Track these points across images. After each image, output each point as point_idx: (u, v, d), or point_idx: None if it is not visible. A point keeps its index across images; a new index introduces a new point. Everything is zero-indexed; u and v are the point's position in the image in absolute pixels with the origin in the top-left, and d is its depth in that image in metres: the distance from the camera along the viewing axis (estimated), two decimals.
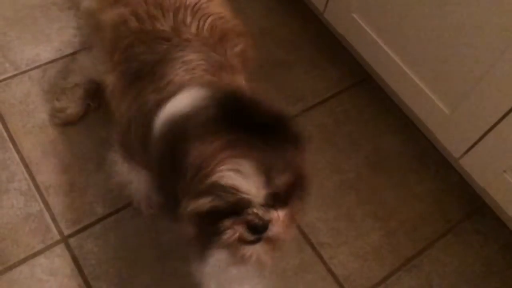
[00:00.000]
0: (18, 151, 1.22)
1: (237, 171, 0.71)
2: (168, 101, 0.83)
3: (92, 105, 1.29)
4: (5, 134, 1.24)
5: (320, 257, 1.20)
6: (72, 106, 1.25)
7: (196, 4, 0.96)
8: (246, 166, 0.71)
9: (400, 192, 1.32)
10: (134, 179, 1.06)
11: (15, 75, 1.33)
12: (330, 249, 1.22)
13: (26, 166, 1.20)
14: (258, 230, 0.75)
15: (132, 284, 1.10)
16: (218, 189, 0.71)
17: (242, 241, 0.76)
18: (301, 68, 1.49)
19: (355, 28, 1.34)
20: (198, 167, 0.72)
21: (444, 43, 1.13)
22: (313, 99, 1.44)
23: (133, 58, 0.94)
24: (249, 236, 0.75)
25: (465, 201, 1.34)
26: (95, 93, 1.27)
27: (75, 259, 1.11)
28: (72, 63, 1.24)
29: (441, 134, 1.26)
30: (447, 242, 1.28)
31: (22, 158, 1.21)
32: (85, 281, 1.08)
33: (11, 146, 1.22)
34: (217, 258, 0.91)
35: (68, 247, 1.12)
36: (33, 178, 1.19)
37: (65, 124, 1.26)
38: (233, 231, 0.75)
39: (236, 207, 0.73)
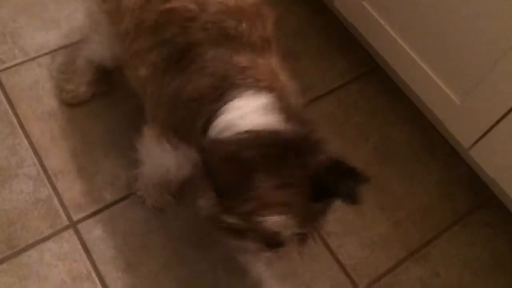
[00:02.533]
0: (27, 137, 1.22)
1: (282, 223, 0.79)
2: (226, 101, 0.84)
3: (101, 89, 1.29)
4: (14, 120, 1.24)
5: (327, 246, 1.20)
6: (81, 87, 1.25)
7: None
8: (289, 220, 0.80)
9: (408, 183, 1.32)
10: (167, 161, 1.03)
11: (24, 62, 1.33)
12: (338, 239, 1.22)
13: (35, 151, 1.20)
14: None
15: (140, 269, 1.10)
16: (260, 229, 0.80)
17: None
18: (309, 58, 1.48)
19: (365, 16, 1.33)
20: (252, 199, 0.78)
21: (456, 32, 1.12)
22: (321, 89, 1.44)
23: (167, 41, 0.92)
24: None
25: (473, 192, 1.33)
26: (104, 78, 1.27)
27: (83, 244, 1.11)
28: (82, 48, 1.24)
29: (451, 124, 1.25)
30: (454, 233, 1.27)
31: (31, 144, 1.21)
32: (94, 266, 1.09)
33: (20, 131, 1.23)
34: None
35: (76, 232, 1.12)
36: (42, 164, 1.19)
37: (75, 103, 1.26)
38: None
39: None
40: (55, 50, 1.36)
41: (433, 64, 1.22)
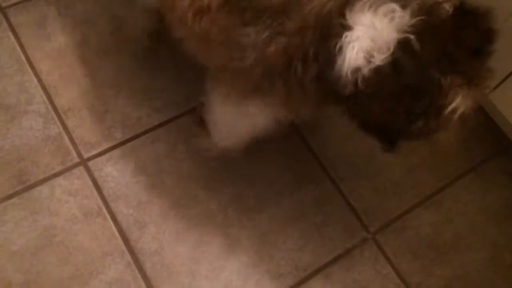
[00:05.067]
0: (36, 74, 1.20)
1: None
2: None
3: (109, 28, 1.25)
4: (23, 57, 1.21)
5: (339, 190, 1.19)
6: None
7: None
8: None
9: None
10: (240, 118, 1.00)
11: None
12: (350, 183, 1.20)
13: (44, 89, 1.18)
14: None
15: (151, 207, 1.10)
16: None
17: None
18: None
19: None
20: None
21: None
22: None
23: None
24: None
25: (490, 141, 1.30)
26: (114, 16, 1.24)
27: (94, 181, 1.11)
28: None
29: None
30: (469, 181, 1.25)
31: (40, 81, 1.19)
32: (104, 203, 1.09)
33: (28, 69, 1.20)
34: None
35: (87, 169, 1.11)
36: (51, 101, 1.17)
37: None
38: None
39: None
40: None
41: None
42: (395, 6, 0.77)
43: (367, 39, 0.77)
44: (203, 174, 1.15)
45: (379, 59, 0.76)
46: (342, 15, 0.78)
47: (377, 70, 0.76)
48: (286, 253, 1.11)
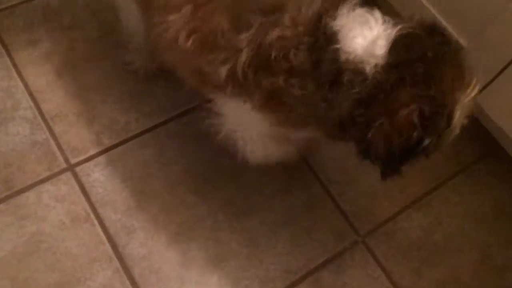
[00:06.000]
0: (23, 80, 1.19)
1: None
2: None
3: (97, 34, 1.25)
4: (9, 62, 1.20)
5: (329, 194, 1.19)
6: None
7: None
8: None
9: None
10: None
11: (19, 4, 1.28)
12: (339, 186, 1.20)
13: (31, 94, 1.17)
14: None
15: (139, 212, 1.09)
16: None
17: None
18: None
19: None
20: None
21: None
22: None
23: None
24: None
25: (478, 142, 1.31)
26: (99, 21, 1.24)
27: (82, 187, 1.09)
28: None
29: None
30: (458, 183, 1.26)
31: (26, 87, 1.18)
32: (92, 208, 1.08)
33: (15, 74, 1.19)
34: None
35: (74, 175, 1.10)
36: (38, 107, 1.16)
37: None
38: None
39: None
40: None
41: (442, 7, 1.18)
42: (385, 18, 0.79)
43: (356, 42, 0.77)
44: (192, 178, 1.15)
45: (370, 63, 0.76)
46: (334, 15, 0.80)
47: (371, 74, 0.76)
48: (276, 257, 1.10)
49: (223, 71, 0.86)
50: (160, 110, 1.21)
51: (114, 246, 1.05)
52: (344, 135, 0.85)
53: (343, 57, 0.77)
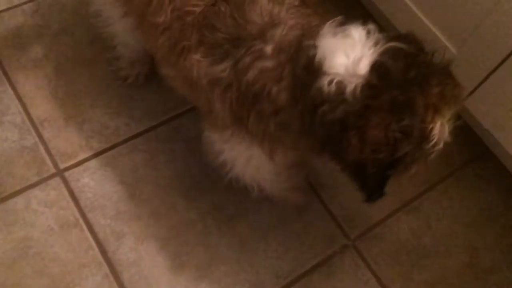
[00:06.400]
0: (12, 85, 1.18)
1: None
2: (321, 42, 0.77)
3: (86, 39, 1.25)
4: None
5: (319, 198, 1.19)
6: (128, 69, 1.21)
7: None
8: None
9: None
10: (246, 158, 0.97)
11: (8, 9, 1.28)
12: (330, 190, 1.20)
13: (20, 99, 1.17)
14: None
15: (129, 217, 1.09)
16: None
17: None
18: None
19: None
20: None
21: None
22: None
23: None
24: None
25: (468, 146, 1.32)
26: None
27: (71, 192, 1.09)
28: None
29: None
30: (448, 186, 1.26)
31: (15, 92, 1.18)
32: (81, 213, 1.07)
33: (4, 79, 1.19)
34: None
35: (64, 180, 1.10)
36: (27, 112, 1.16)
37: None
38: None
39: None
40: None
41: (430, 14, 1.19)
42: (371, 27, 0.78)
43: (340, 60, 0.76)
44: (182, 183, 1.14)
45: (353, 81, 0.75)
46: (316, 36, 0.78)
47: (352, 93, 0.75)
48: (266, 261, 1.10)
49: (217, 107, 0.86)
50: (151, 115, 1.21)
51: (103, 252, 1.05)
52: (325, 153, 0.85)
53: (325, 80, 0.75)
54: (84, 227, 1.06)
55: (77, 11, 1.30)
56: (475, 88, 1.16)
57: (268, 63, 0.80)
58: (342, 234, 1.16)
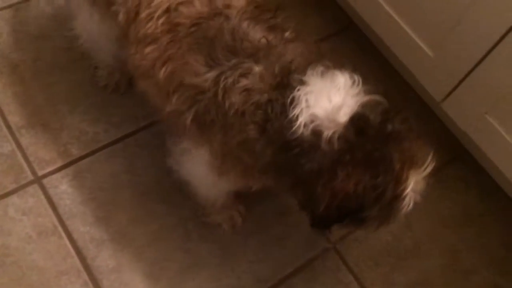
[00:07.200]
0: None
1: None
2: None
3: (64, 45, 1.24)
4: None
5: None
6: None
7: None
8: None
9: None
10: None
11: None
12: None
13: None
14: None
15: (109, 224, 1.08)
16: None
17: None
18: (283, 14, 1.45)
19: None
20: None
21: None
22: None
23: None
24: None
25: (446, 148, 1.33)
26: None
27: (49, 199, 1.08)
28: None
29: (424, 78, 1.24)
30: (426, 187, 1.27)
31: None
32: (60, 221, 1.06)
33: None
34: None
35: (42, 187, 1.09)
36: (4, 119, 1.15)
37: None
38: None
39: None
40: (18, 3, 1.30)
41: (407, 18, 1.20)
42: (357, 78, 0.79)
43: (322, 102, 0.76)
44: (162, 188, 1.14)
45: (329, 129, 0.75)
46: (304, 72, 0.79)
47: (328, 140, 0.75)
48: (247, 266, 1.10)
49: (188, 114, 0.85)
50: (130, 121, 1.20)
51: (82, 259, 1.04)
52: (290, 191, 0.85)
53: (303, 121, 0.75)
54: (63, 234, 1.05)
55: (55, 17, 1.29)
56: (452, 90, 1.18)
57: (252, 84, 0.80)
58: (323, 237, 1.16)
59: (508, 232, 1.23)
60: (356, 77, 0.80)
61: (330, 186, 0.75)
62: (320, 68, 0.79)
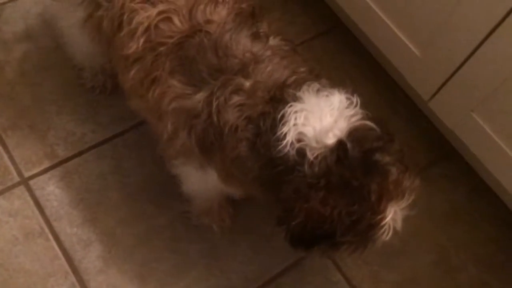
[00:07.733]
0: None
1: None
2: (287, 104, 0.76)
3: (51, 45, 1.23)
4: None
5: None
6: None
7: None
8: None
9: None
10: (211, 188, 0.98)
11: None
12: None
13: None
14: None
15: (97, 225, 1.07)
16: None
17: None
18: (271, 14, 1.45)
19: None
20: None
21: None
22: None
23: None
24: None
25: (433, 146, 1.34)
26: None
27: (36, 201, 1.07)
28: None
29: (411, 77, 1.25)
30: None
31: None
32: (47, 222, 1.05)
33: None
34: None
35: (28, 189, 1.08)
36: None
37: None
38: None
39: None
40: (2, 4, 1.29)
41: (395, 17, 1.21)
42: (355, 100, 0.78)
43: (312, 121, 0.75)
44: (151, 189, 1.14)
45: (314, 150, 0.74)
46: (299, 87, 0.78)
47: (311, 162, 0.74)
48: (236, 266, 1.10)
49: (182, 135, 0.84)
50: (117, 121, 1.19)
51: (69, 260, 1.03)
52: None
53: (290, 139, 0.75)
54: (50, 236, 1.04)
55: (41, 17, 1.28)
56: (439, 89, 1.18)
57: (244, 99, 0.79)
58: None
59: (495, 230, 1.24)
60: (354, 99, 0.78)
61: (306, 207, 0.74)
62: (316, 86, 0.78)
